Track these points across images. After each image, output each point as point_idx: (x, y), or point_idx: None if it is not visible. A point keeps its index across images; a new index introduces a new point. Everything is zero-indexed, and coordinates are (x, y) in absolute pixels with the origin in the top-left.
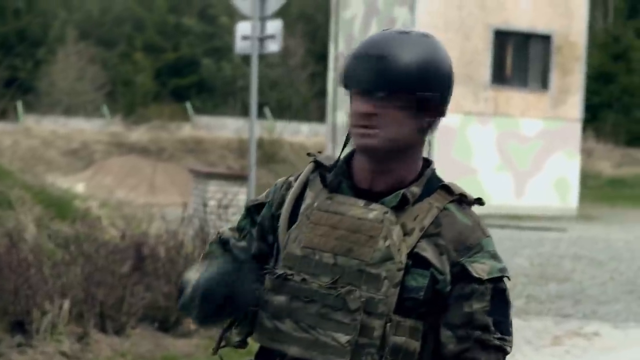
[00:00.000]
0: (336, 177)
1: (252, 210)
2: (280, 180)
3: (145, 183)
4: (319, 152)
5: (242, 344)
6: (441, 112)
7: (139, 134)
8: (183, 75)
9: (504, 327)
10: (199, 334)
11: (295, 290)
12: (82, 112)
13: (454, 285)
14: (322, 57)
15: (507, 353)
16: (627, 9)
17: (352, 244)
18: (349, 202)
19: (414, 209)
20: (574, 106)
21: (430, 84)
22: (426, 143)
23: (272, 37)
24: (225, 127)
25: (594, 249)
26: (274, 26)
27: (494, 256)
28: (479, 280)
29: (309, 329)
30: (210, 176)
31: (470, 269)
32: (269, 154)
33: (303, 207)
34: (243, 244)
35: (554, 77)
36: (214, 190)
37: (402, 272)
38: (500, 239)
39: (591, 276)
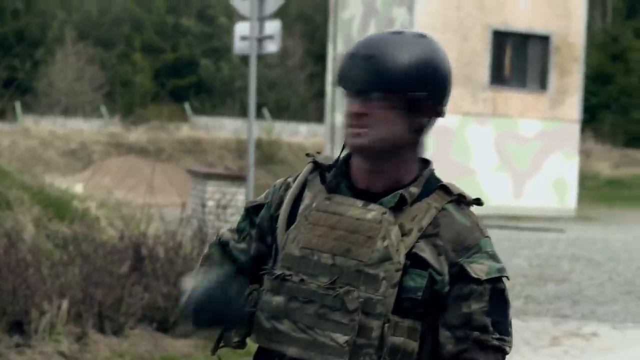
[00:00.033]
0: (335, 177)
1: (251, 211)
2: (279, 181)
3: (144, 183)
4: (318, 153)
5: (241, 344)
6: (438, 113)
7: (138, 135)
8: (182, 75)
9: (503, 328)
10: (197, 334)
11: (294, 291)
12: (81, 112)
13: (453, 286)
14: (320, 58)
15: (506, 353)
16: (626, 9)
17: (350, 245)
18: (347, 203)
19: (413, 209)
20: (573, 107)
21: (422, 84)
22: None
23: (270, 37)
24: (224, 128)
25: (592, 250)
26: (273, 27)
27: (493, 256)
28: (477, 281)
29: (307, 329)
30: (209, 177)
31: (468, 269)
32: (268, 154)
33: (302, 207)
34: (243, 245)
35: (553, 78)
36: (213, 190)
37: (400, 273)
38: (498, 240)
39: (589, 277)
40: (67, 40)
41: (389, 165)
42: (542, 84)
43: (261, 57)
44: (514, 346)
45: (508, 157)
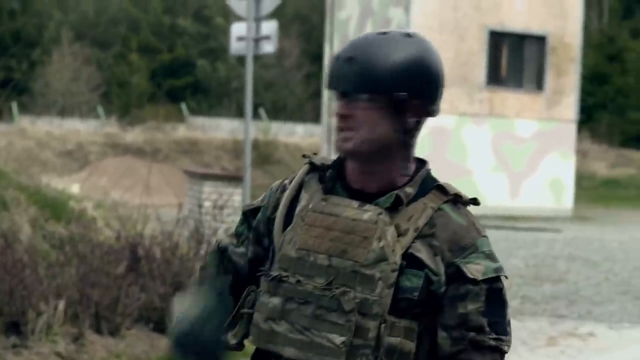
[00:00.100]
0: (331, 178)
1: (249, 214)
2: (276, 183)
3: (140, 184)
4: (314, 154)
5: (239, 346)
6: (428, 112)
7: (134, 135)
8: (178, 76)
9: (500, 327)
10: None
11: (290, 292)
12: (77, 113)
13: (449, 286)
14: (317, 58)
15: (504, 353)
16: (622, 10)
17: (346, 245)
18: (343, 204)
19: (409, 210)
20: (569, 107)
21: (408, 84)
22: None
23: (267, 38)
24: (220, 128)
25: (589, 250)
26: (269, 27)
27: (489, 256)
28: (474, 281)
29: (304, 330)
30: (206, 177)
31: (464, 269)
32: (264, 155)
33: (298, 208)
34: (242, 249)
35: (549, 78)
36: (209, 191)
37: (396, 273)
38: (495, 240)
39: (586, 277)
40: (64, 41)
41: (380, 167)
42: (539, 84)
43: (258, 58)
44: (511, 346)
45: (504, 157)
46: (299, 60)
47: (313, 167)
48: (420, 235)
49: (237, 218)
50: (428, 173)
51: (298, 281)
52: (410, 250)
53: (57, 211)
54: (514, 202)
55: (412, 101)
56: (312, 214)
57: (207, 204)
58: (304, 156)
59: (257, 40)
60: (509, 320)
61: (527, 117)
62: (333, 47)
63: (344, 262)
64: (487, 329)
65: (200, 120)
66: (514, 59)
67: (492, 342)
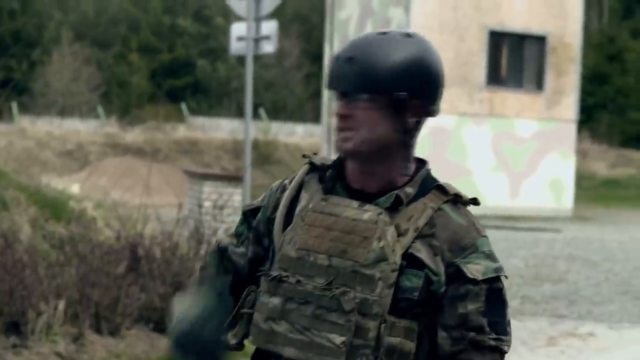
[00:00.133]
0: (331, 178)
1: (249, 214)
2: (276, 183)
3: (140, 184)
4: (314, 154)
5: (239, 346)
6: (428, 112)
7: (134, 135)
8: (178, 76)
9: (500, 327)
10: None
11: (290, 292)
12: (77, 113)
13: (449, 286)
14: (317, 58)
15: (504, 353)
16: (622, 10)
17: (346, 245)
18: (343, 204)
19: (409, 210)
20: (569, 107)
21: (407, 84)
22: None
23: (267, 37)
24: (220, 128)
25: (589, 250)
26: (269, 27)
27: (489, 256)
28: (474, 281)
29: (304, 330)
30: (206, 177)
31: (464, 269)
32: (264, 155)
33: (298, 208)
34: (242, 249)
35: (549, 78)
36: (209, 191)
37: (396, 273)
38: (495, 240)
39: (586, 277)
40: (64, 41)
41: (380, 167)
42: (539, 84)
43: (258, 58)
44: (511, 346)
45: (504, 157)
46: (299, 60)
47: (313, 167)
48: (420, 235)
49: (237, 218)
50: (428, 173)
51: (298, 281)
52: (410, 250)
53: (57, 211)
54: (514, 202)
55: (412, 101)
56: (312, 214)
57: (207, 204)
58: (304, 156)
59: (257, 40)
60: (509, 320)
61: (527, 117)
62: (333, 47)
63: (344, 262)
64: (487, 329)
65: (200, 120)
66: (514, 59)
67: (492, 342)
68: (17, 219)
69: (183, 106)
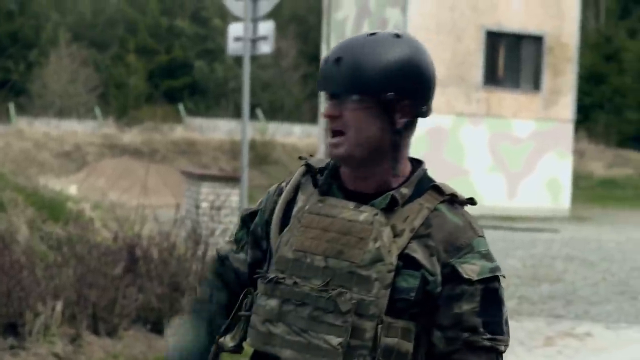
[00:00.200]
0: (327, 179)
1: (247, 219)
2: (273, 187)
3: (138, 185)
4: (311, 155)
5: (238, 348)
6: (419, 113)
7: (132, 136)
8: (176, 77)
9: (495, 327)
10: None
11: (287, 294)
12: (75, 114)
13: (444, 286)
14: (314, 59)
15: (500, 352)
16: (619, 10)
17: (342, 246)
18: (339, 205)
19: (404, 210)
20: (566, 107)
21: (396, 85)
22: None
23: (264, 38)
24: (218, 129)
25: (586, 250)
26: (266, 27)
27: (486, 256)
28: (469, 281)
29: (302, 332)
30: (203, 178)
31: (460, 269)
32: (262, 155)
33: (295, 210)
34: (242, 255)
35: (546, 78)
36: (207, 191)
37: (392, 274)
38: (492, 240)
39: (583, 277)
40: (61, 42)
41: (372, 169)
42: (536, 84)
43: (255, 58)
44: (509, 346)
45: (502, 157)
46: (296, 61)
47: (309, 169)
48: (417, 236)
49: (235, 219)
50: (424, 173)
51: (295, 283)
52: (406, 251)
53: (55, 212)
54: (511, 202)
55: (401, 101)
56: (309, 215)
57: (204, 204)
58: (300, 158)
59: (254, 41)
60: (507, 320)
61: (524, 117)
62: (330, 48)
63: (341, 263)
64: (482, 329)
65: (197, 121)
66: (511, 59)
67: (487, 343)
68: (14, 220)
69: (180, 107)
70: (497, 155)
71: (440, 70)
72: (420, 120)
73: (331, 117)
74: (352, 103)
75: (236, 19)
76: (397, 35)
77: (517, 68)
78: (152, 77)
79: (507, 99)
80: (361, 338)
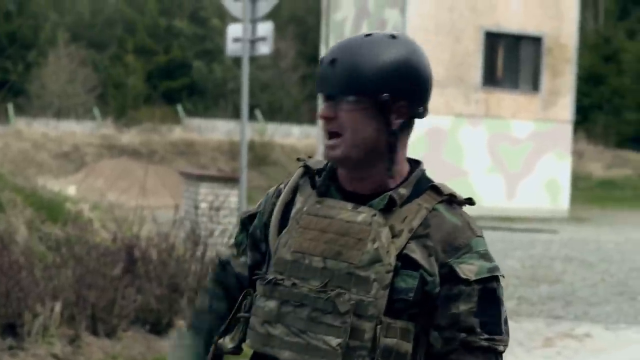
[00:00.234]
0: (325, 181)
1: (246, 222)
2: (272, 189)
3: (137, 185)
4: (309, 157)
5: (237, 350)
6: (415, 113)
7: (130, 137)
8: (174, 77)
9: (493, 327)
10: None
11: (286, 295)
12: (73, 114)
13: (442, 286)
14: (313, 59)
15: (498, 352)
16: (618, 11)
17: (341, 247)
18: (337, 206)
19: (403, 211)
20: (565, 108)
21: (391, 85)
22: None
23: (263, 39)
24: (217, 130)
25: (585, 251)
26: (265, 28)
27: (484, 256)
28: (466, 282)
29: (301, 333)
30: (202, 178)
31: (457, 270)
32: (260, 156)
33: (293, 211)
34: (243, 259)
35: (545, 79)
36: (205, 192)
37: (391, 274)
38: (491, 241)
39: (582, 278)
40: (60, 42)
41: (369, 170)
42: (535, 85)
43: (254, 59)
44: (507, 347)
45: (500, 158)
46: (294, 62)
47: (307, 170)
48: (415, 236)
49: (234, 219)
50: (423, 174)
51: (293, 284)
52: (404, 251)
53: (54, 213)
54: (510, 203)
55: (397, 102)
56: (307, 216)
57: (203, 205)
58: (298, 159)
59: (253, 42)
60: (506, 319)
61: (523, 118)
62: (329, 49)
63: (339, 264)
64: (479, 329)
65: (196, 122)
66: (509, 59)
67: (484, 343)
68: (13, 221)
69: (179, 108)
70: (496, 156)
71: (439, 71)
72: (419, 121)
73: (327, 119)
74: (347, 104)
75: (235, 19)
76: (393, 36)
77: (516, 69)
78: (151, 78)
79: (506, 99)
80: (360, 339)
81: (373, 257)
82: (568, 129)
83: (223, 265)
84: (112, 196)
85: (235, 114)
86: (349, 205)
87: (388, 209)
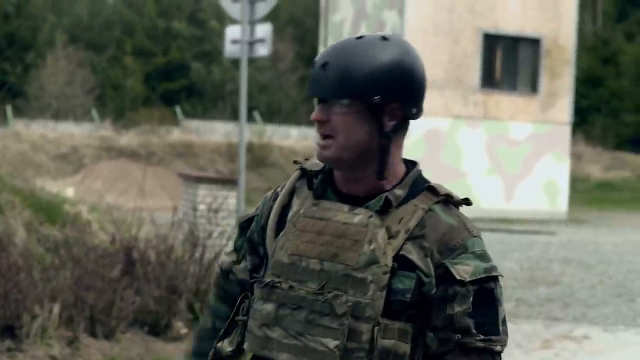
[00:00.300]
0: (321, 183)
1: (245, 226)
2: (270, 192)
3: (135, 187)
4: (306, 159)
5: (235, 353)
6: (408, 115)
7: (129, 138)
8: (173, 79)
9: (490, 328)
10: (189, 338)
11: (283, 298)
12: (72, 116)
13: (438, 287)
14: (311, 61)
15: (495, 353)
16: (616, 12)
17: (337, 249)
18: (334, 208)
19: (399, 212)
20: (563, 109)
21: (383, 88)
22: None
23: (261, 40)
24: (215, 131)
25: (583, 252)
26: (264, 30)
27: (480, 256)
28: (461, 282)
29: (298, 335)
30: (200, 180)
31: (452, 270)
32: (259, 157)
33: (290, 214)
34: (243, 264)
35: (543, 81)
36: (204, 194)
37: (388, 275)
38: (490, 243)
39: (580, 279)
40: (58, 44)
41: (362, 172)
42: (533, 87)
43: (252, 61)
44: (506, 349)
45: (499, 160)
46: (293, 63)
47: (304, 173)
48: (411, 237)
49: (232, 221)
50: (419, 174)
51: (291, 287)
52: (401, 252)
53: (52, 214)
54: (509, 204)
55: (389, 104)
56: (304, 219)
57: (201, 207)
58: (295, 162)
59: (252, 43)
60: (504, 319)
61: (521, 120)
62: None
63: (336, 266)
64: (474, 330)
65: (194, 123)
66: (508, 61)
67: (480, 344)
68: (11, 223)
69: (177, 109)
70: (495, 158)
71: (438, 72)
72: (417, 122)
73: (319, 122)
74: (339, 107)
75: (233, 21)
76: (385, 38)
77: (515, 71)
78: (149, 79)
79: (504, 101)
80: (358, 340)
81: (370, 259)
82: (566, 130)
83: (226, 274)
84: (110, 198)
85: (234, 116)
86: (346, 207)
87: (384, 210)
